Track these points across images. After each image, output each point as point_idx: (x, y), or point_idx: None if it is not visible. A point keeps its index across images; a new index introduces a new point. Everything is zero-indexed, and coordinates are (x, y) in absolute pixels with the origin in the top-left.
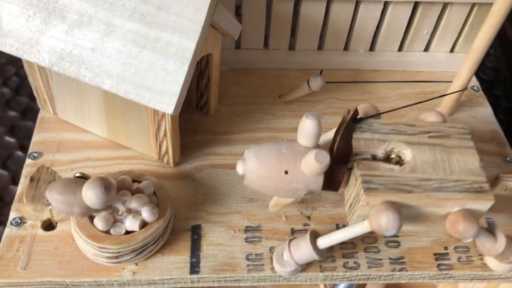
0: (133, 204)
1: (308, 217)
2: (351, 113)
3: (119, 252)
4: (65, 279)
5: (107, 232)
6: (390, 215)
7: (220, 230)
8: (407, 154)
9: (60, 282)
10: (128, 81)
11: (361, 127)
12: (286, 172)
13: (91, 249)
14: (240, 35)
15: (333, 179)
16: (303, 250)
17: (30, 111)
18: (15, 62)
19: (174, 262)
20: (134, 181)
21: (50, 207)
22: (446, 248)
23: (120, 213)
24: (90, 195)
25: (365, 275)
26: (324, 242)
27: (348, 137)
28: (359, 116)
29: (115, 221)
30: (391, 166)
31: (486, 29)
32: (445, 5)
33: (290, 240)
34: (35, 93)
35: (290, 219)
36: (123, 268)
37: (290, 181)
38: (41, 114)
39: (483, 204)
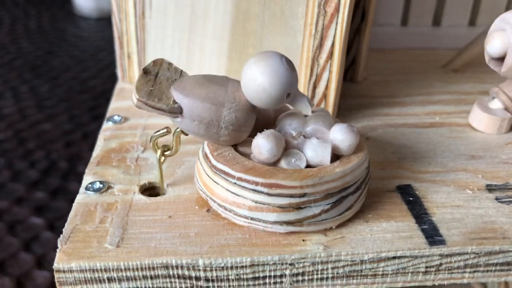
0: (313, 124)
1: None
2: None
3: (304, 195)
4: (198, 260)
5: (275, 165)
6: None
7: (447, 190)
8: None
9: (188, 264)
10: None
11: None
12: None
13: (248, 196)
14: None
15: None
16: None
17: (62, 192)
18: (45, 146)
19: (391, 230)
20: None
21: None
22: None
23: (293, 136)
24: (267, 67)
25: None
26: None
27: None
28: None
29: (286, 148)
30: None
31: None
32: None
33: None
34: (117, 47)
35: None
36: (303, 240)
37: None
38: (119, 85)
39: None
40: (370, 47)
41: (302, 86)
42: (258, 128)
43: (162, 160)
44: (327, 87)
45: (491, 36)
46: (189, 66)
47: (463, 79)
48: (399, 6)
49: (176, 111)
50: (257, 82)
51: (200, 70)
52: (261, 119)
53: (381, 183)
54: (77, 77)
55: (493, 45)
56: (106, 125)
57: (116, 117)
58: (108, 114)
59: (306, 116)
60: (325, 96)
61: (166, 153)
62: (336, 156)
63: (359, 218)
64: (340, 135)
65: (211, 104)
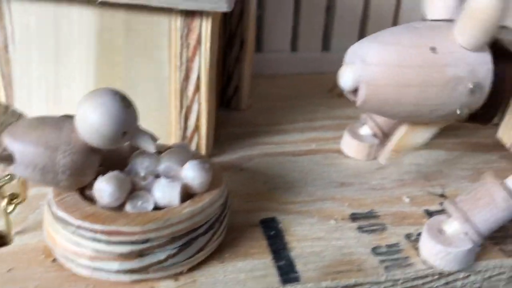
0: (166, 162)
1: (443, 195)
2: None
3: (147, 241)
4: None
5: (120, 209)
6: None
7: (311, 221)
8: None
9: None
10: None
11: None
12: (433, 50)
13: (87, 245)
14: (263, 34)
15: (502, 78)
16: (489, 208)
17: None
18: None
19: (246, 269)
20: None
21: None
22: None
23: (142, 176)
24: (97, 105)
25: None
26: None
27: None
28: None
29: (133, 189)
30: None
31: None
32: None
33: (453, 202)
34: None
35: (416, 201)
36: None
37: (444, 64)
38: None
39: None
40: (261, 73)
41: (174, 118)
42: (111, 168)
43: (11, 209)
44: (198, 119)
45: (342, 70)
46: (57, 100)
47: (348, 103)
48: (288, 32)
49: (6, 158)
50: (88, 121)
51: (68, 104)
52: (115, 158)
53: (246, 216)
54: None
55: (344, 79)
56: None
57: None
58: None
59: (160, 153)
60: (197, 127)
61: (14, 200)
62: (190, 195)
63: (215, 258)
64: (191, 172)
65: (44, 149)
